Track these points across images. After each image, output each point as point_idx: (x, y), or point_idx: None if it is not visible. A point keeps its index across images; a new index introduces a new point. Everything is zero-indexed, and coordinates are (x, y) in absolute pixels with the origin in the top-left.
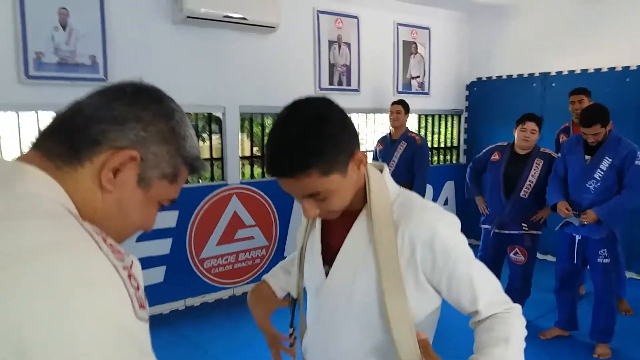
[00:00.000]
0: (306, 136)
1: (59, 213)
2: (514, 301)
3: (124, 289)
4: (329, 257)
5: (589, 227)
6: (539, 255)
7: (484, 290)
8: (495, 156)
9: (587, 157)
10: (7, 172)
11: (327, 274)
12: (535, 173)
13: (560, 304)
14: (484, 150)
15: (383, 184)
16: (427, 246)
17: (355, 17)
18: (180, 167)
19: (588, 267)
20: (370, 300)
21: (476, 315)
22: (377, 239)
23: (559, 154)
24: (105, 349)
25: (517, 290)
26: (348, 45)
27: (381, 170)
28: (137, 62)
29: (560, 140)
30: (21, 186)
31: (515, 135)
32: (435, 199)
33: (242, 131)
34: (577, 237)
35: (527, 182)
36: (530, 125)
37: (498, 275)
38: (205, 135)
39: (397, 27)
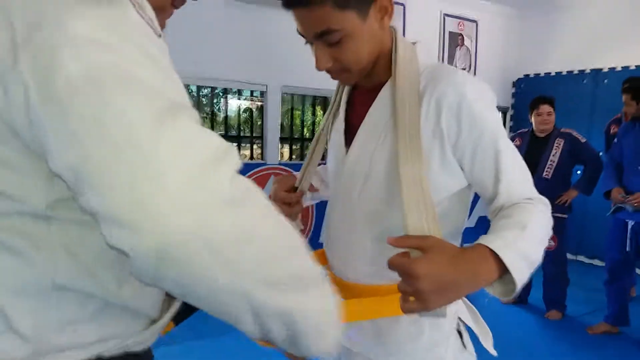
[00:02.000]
0: None
1: None
2: (556, 293)
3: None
4: (351, 137)
5: None
6: (585, 259)
7: (509, 169)
8: (517, 142)
9: None
10: None
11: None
12: (556, 153)
13: (610, 296)
14: None
15: (413, 54)
16: (453, 111)
17: (402, 4)
18: None
19: None
20: (387, 174)
21: (497, 200)
22: (399, 106)
23: (615, 140)
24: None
25: (555, 279)
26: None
27: (414, 44)
28: (189, 39)
29: (611, 131)
30: None
31: (533, 121)
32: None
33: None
34: (630, 224)
35: (549, 162)
36: (545, 109)
37: None
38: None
39: (444, 18)
